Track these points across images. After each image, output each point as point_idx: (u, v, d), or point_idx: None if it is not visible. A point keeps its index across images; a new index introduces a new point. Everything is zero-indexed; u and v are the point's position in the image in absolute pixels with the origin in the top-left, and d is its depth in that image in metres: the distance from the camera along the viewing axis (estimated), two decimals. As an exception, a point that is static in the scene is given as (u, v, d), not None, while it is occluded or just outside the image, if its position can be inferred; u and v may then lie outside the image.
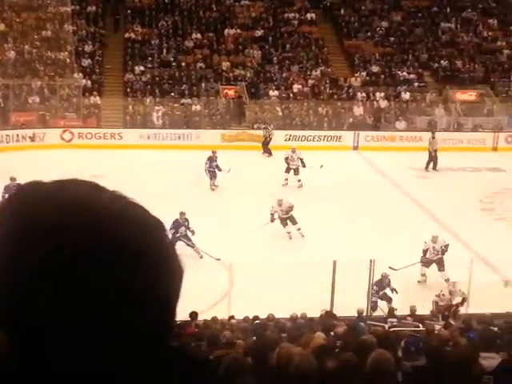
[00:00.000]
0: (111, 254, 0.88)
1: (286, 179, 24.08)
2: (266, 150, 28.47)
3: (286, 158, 24.22)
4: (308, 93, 32.69)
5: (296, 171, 23.97)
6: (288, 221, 19.29)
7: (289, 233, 19.39)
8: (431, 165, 26.82)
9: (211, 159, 23.61)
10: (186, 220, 18.15)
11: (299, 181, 23.93)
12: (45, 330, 0.86)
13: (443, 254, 16.83)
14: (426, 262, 16.88)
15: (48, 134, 28.91)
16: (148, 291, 0.90)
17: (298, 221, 19.22)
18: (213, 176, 23.64)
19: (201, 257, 17.77)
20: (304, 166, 23.78)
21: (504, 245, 17.20)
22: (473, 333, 10.24)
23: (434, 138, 27.22)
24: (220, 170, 23.48)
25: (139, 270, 0.89)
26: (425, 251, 16.97)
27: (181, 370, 0.96)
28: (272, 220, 19.17)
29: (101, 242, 0.88)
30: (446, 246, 16.89)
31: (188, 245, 17.73)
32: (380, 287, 15.38)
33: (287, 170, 24.09)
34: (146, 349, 0.90)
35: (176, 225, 17.66)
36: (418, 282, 16.74)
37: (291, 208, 19.15)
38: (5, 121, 29.54)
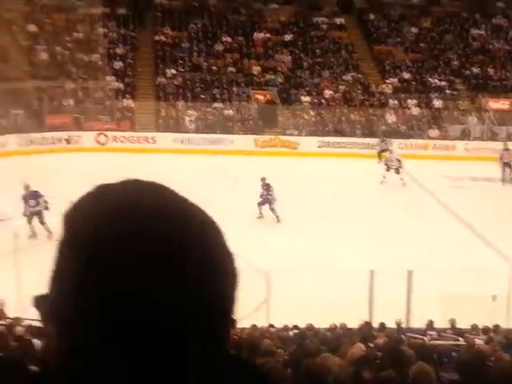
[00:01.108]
0: (149, 250, 0.86)
1: (384, 177, 25.39)
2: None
3: (386, 160, 26.20)
4: (339, 99, 32.66)
5: (397, 171, 25.36)
6: None
7: None
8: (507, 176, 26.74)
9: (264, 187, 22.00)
10: None
11: (402, 179, 25.23)
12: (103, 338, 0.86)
13: None
14: None
15: (83, 137, 29.11)
16: (191, 292, 0.87)
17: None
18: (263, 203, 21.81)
19: None
20: (401, 167, 25.35)
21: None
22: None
23: (507, 149, 27.10)
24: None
25: (179, 269, 0.87)
26: None
27: (239, 379, 0.94)
28: None
29: (134, 240, 0.87)
30: None
31: None
32: None
33: (387, 169, 25.55)
34: (201, 356, 0.89)
35: None
36: None
37: None
38: (40, 123, 29.65)
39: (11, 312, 13.34)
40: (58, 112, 30.38)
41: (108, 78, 31.94)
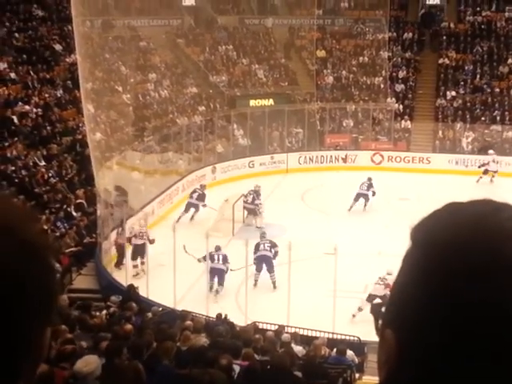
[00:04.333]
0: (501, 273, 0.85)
1: None
2: None
3: None
4: None
5: None
6: None
7: None
8: None
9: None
10: None
11: None
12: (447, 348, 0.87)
13: None
14: None
15: (359, 156, 30.37)
16: None
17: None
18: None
19: None
20: None
21: None
22: None
23: None
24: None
25: None
26: None
27: None
28: None
29: (490, 259, 0.86)
30: None
31: None
32: None
33: None
34: None
35: None
36: None
37: None
38: (321, 142, 31.50)
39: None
40: (337, 132, 32.07)
41: (388, 100, 33.02)
